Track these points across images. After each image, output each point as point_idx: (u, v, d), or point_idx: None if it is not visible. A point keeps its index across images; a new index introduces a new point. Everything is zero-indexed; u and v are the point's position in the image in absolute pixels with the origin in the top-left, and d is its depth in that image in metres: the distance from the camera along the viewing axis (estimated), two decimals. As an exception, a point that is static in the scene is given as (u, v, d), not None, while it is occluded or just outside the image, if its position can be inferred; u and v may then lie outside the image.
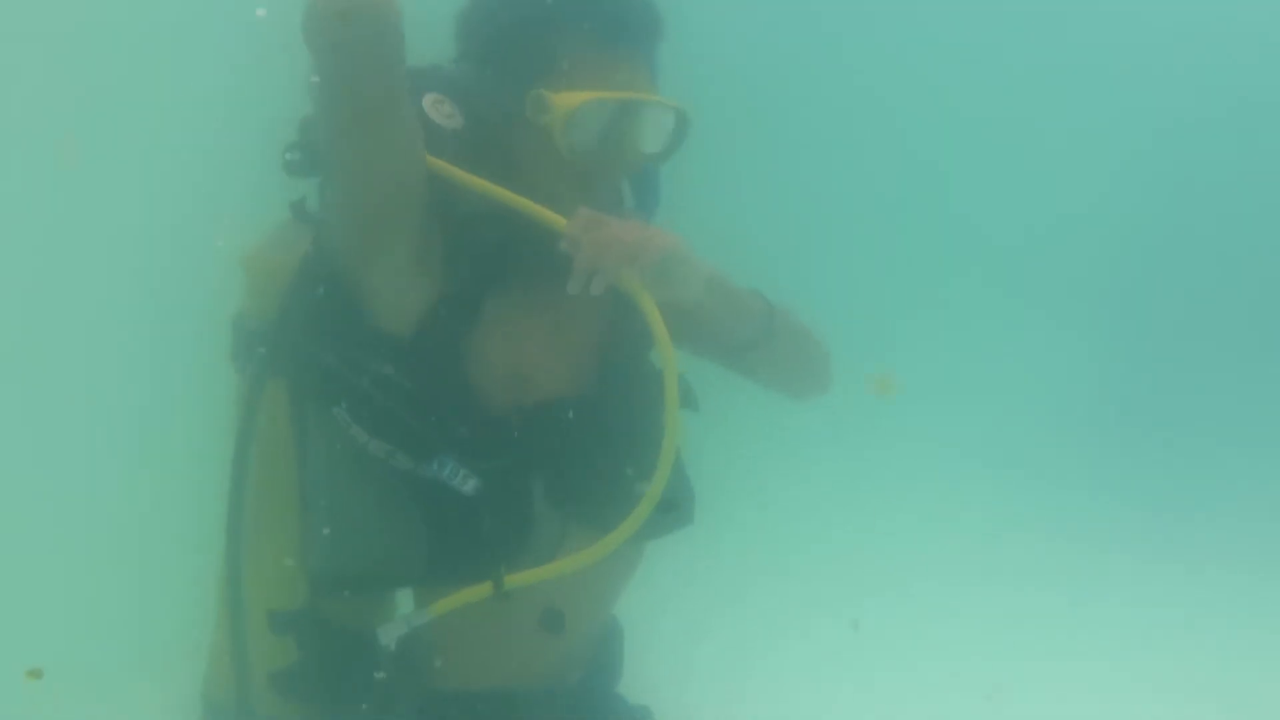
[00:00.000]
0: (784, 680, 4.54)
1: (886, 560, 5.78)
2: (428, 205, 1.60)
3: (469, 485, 1.57)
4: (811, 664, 4.61)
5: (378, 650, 1.61)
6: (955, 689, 4.41)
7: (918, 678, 4.58)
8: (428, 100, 1.60)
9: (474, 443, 1.58)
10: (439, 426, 1.57)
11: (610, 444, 1.66)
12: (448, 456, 1.57)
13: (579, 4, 1.59)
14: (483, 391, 1.62)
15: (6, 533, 4.45)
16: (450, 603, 1.59)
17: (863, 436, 6.67)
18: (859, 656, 4.64)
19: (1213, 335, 8.96)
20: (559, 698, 1.74)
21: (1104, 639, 5.11)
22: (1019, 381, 8.60)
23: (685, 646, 4.08)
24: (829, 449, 6.67)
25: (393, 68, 1.47)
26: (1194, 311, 9.16)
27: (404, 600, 1.73)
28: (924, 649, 4.83)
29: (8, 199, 5.20)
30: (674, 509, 1.70)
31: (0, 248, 5.07)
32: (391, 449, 1.58)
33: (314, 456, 1.67)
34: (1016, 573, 5.78)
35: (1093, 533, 6.48)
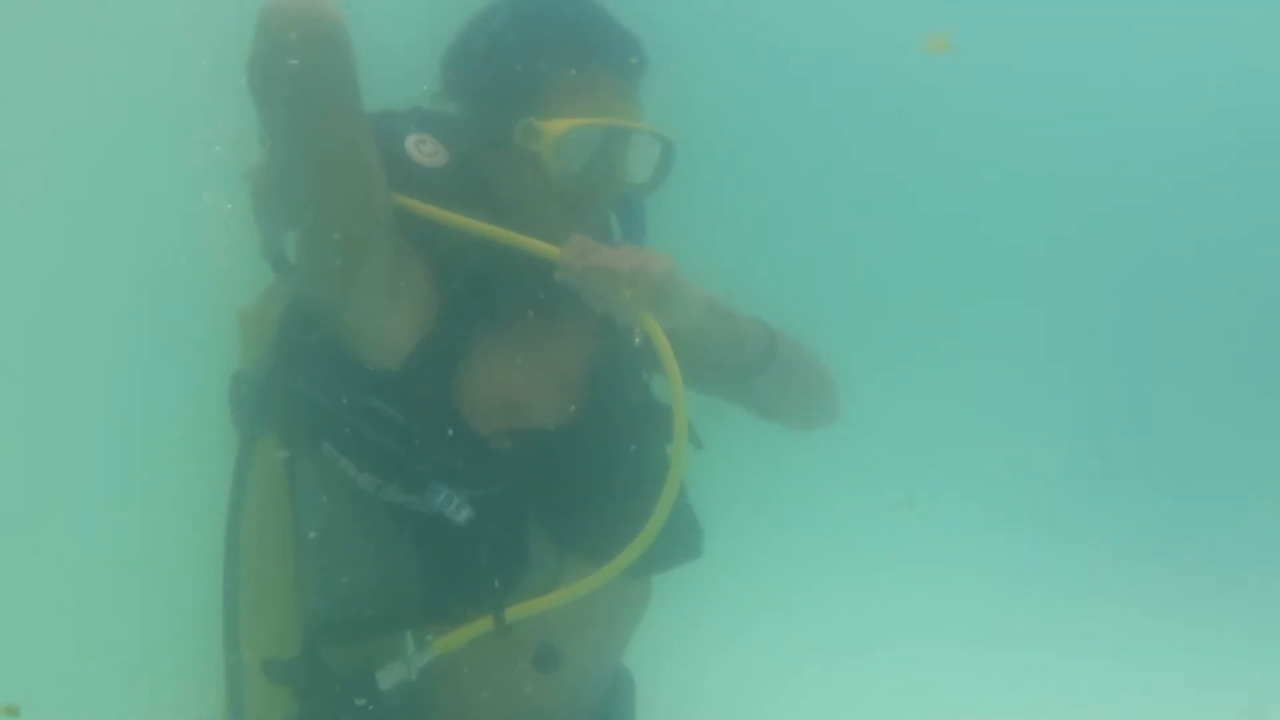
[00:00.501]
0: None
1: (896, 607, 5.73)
2: (405, 243, 1.61)
3: (462, 514, 1.56)
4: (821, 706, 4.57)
5: (376, 694, 1.57)
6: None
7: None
8: (410, 141, 1.62)
9: (465, 471, 1.56)
10: (428, 456, 1.55)
11: (604, 472, 1.65)
12: (440, 485, 1.55)
13: (565, 35, 1.61)
14: (473, 420, 1.60)
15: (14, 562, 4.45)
16: (452, 640, 1.56)
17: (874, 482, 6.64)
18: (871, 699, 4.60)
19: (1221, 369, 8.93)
20: None
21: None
22: (1031, 420, 8.55)
23: (692, 689, 4.04)
24: (836, 489, 6.65)
25: (346, 116, 1.49)
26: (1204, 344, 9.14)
27: (404, 640, 1.68)
28: (936, 694, 4.81)
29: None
30: (677, 542, 1.67)
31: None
32: (381, 482, 1.56)
33: (306, 498, 1.66)
34: (1028, 620, 5.73)
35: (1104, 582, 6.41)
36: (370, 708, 1.57)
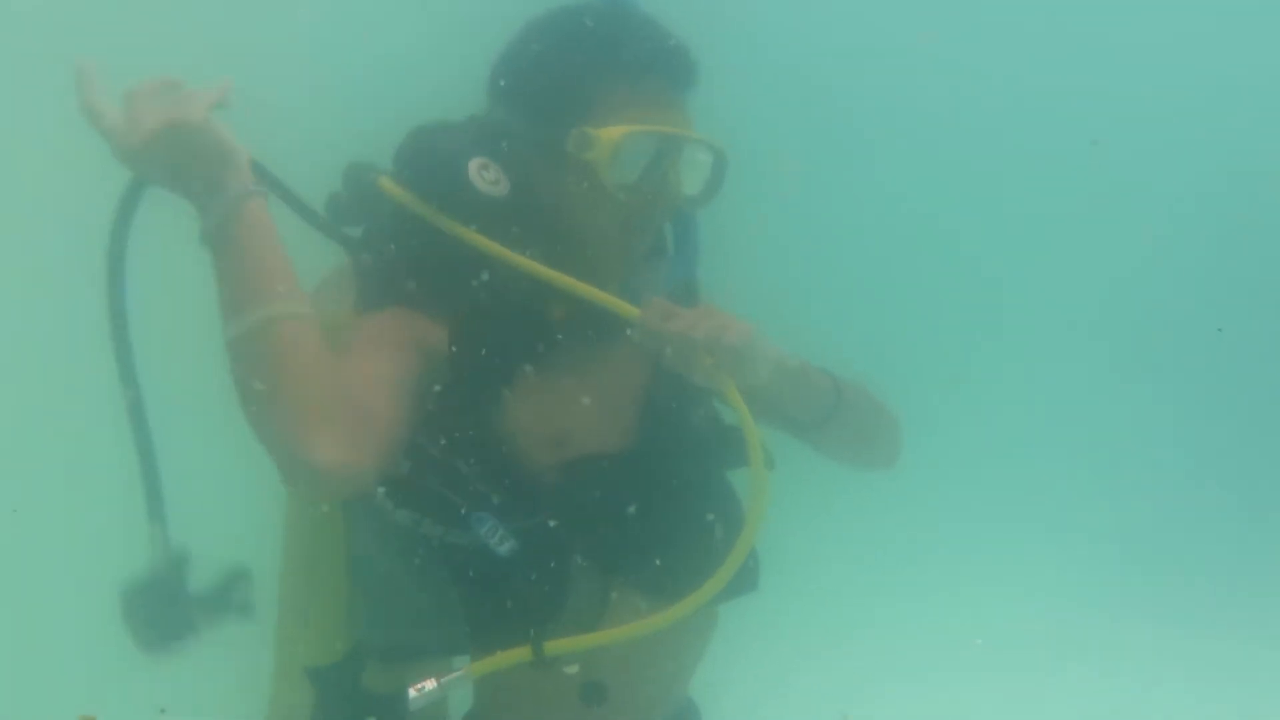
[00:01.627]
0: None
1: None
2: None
3: (505, 546, 1.52)
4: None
5: (404, 712, 1.52)
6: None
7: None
8: (473, 166, 1.58)
9: (510, 503, 1.53)
10: (467, 491, 1.52)
11: (660, 503, 1.61)
12: (485, 515, 1.52)
13: (617, 45, 1.59)
14: (520, 451, 1.57)
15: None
16: (486, 665, 1.52)
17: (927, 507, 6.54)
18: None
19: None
20: None
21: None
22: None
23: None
24: (890, 515, 6.55)
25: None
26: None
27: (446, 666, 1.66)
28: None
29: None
30: (736, 575, 1.62)
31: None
32: (418, 517, 1.54)
33: (355, 524, 1.65)
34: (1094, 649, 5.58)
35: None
36: None
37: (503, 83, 1.64)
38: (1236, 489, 8.03)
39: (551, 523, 1.55)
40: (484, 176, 1.58)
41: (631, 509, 1.58)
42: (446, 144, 1.60)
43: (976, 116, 9.17)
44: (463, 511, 1.52)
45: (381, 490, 1.53)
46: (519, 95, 1.62)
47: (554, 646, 1.51)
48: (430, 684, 1.51)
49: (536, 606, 1.54)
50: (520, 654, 1.51)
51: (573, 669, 1.56)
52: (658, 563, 1.57)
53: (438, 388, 1.55)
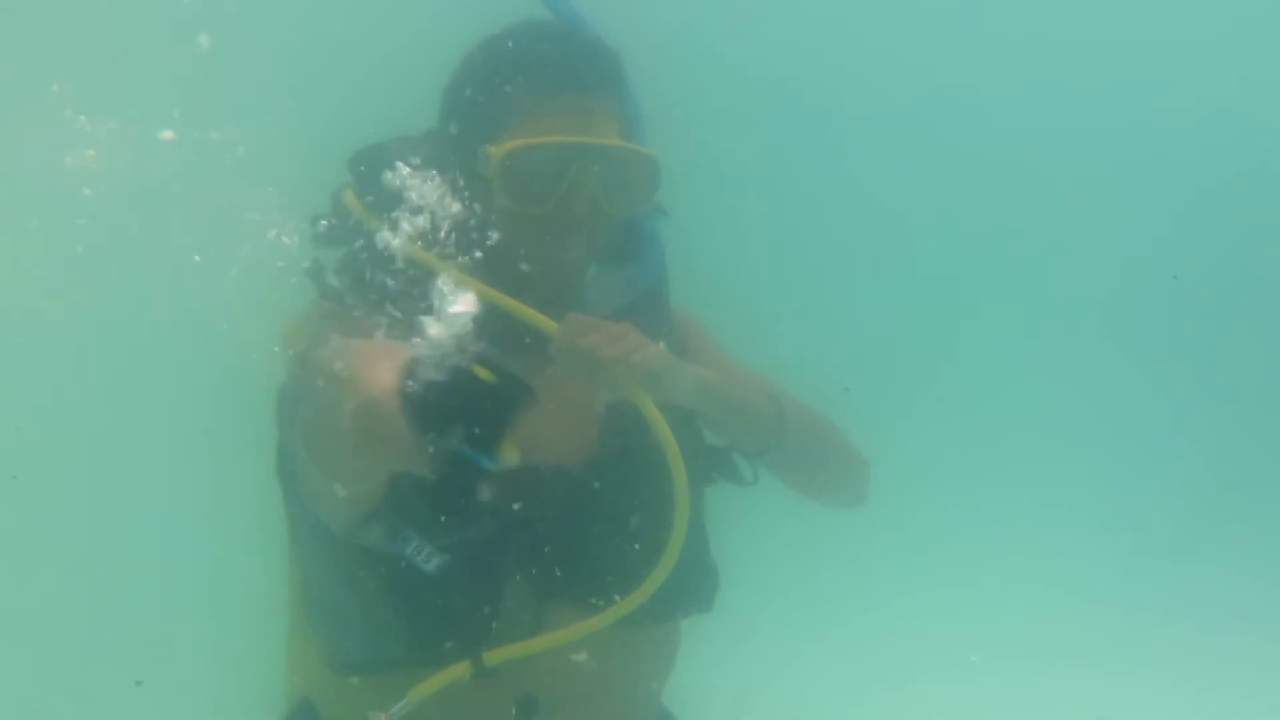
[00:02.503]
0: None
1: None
2: None
3: (433, 563, 1.52)
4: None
5: None
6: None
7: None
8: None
9: (438, 519, 1.52)
10: (397, 504, 1.49)
11: (598, 521, 1.61)
12: (411, 534, 1.52)
13: (521, 57, 1.59)
14: None
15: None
16: (428, 687, 1.53)
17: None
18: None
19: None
20: None
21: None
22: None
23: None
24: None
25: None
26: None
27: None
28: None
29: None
30: (686, 593, 1.66)
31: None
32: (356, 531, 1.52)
33: (298, 537, 1.67)
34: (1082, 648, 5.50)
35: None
36: None
37: (442, 101, 1.66)
38: (1241, 483, 7.96)
39: (482, 538, 1.55)
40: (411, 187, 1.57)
41: (567, 526, 1.59)
42: (386, 157, 1.60)
43: (975, 116, 9.15)
44: (389, 530, 1.52)
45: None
46: (451, 113, 1.65)
47: (493, 656, 1.52)
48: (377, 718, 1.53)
49: (471, 619, 1.54)
50: (460, 670, 1.52)
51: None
52: (589, 578, 1.58)
53: None
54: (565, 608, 1.58)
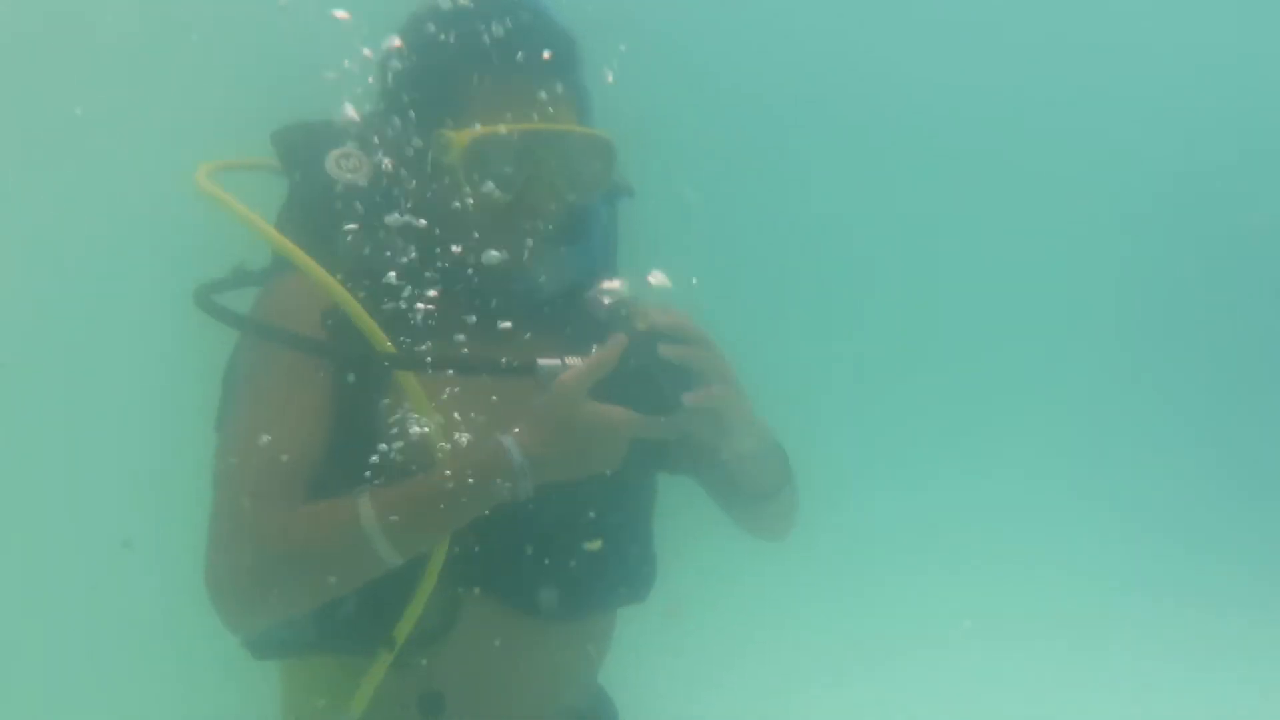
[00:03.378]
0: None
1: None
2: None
3: None
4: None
5: None
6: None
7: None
8: (334, 155, 1.57)
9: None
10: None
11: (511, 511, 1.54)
12: None
13: (480, 39, 1.55)
14: (384, 454, 1.53)
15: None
16: (363, 696, 1.54)
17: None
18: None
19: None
20: None
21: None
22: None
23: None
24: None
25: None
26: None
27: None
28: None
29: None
30: (622, 585, 1.66)
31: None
32: None
33: None
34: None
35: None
36: None
37: (380, 81, 1.62)
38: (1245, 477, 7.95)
39: None
40: (342, 165, 1.57)
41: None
42: (311, 140, 1.60)
43: (974, 116, 9.16)
44: None
45: None
46: (391, 94, 1.60)
47: (400, 630, 1.50)
48: None
49: (391, 607, 1.51)
50: (382, 663, 1.52)
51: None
52: (506, 571, 1.56)
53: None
54: (482, 600, 1.55)
